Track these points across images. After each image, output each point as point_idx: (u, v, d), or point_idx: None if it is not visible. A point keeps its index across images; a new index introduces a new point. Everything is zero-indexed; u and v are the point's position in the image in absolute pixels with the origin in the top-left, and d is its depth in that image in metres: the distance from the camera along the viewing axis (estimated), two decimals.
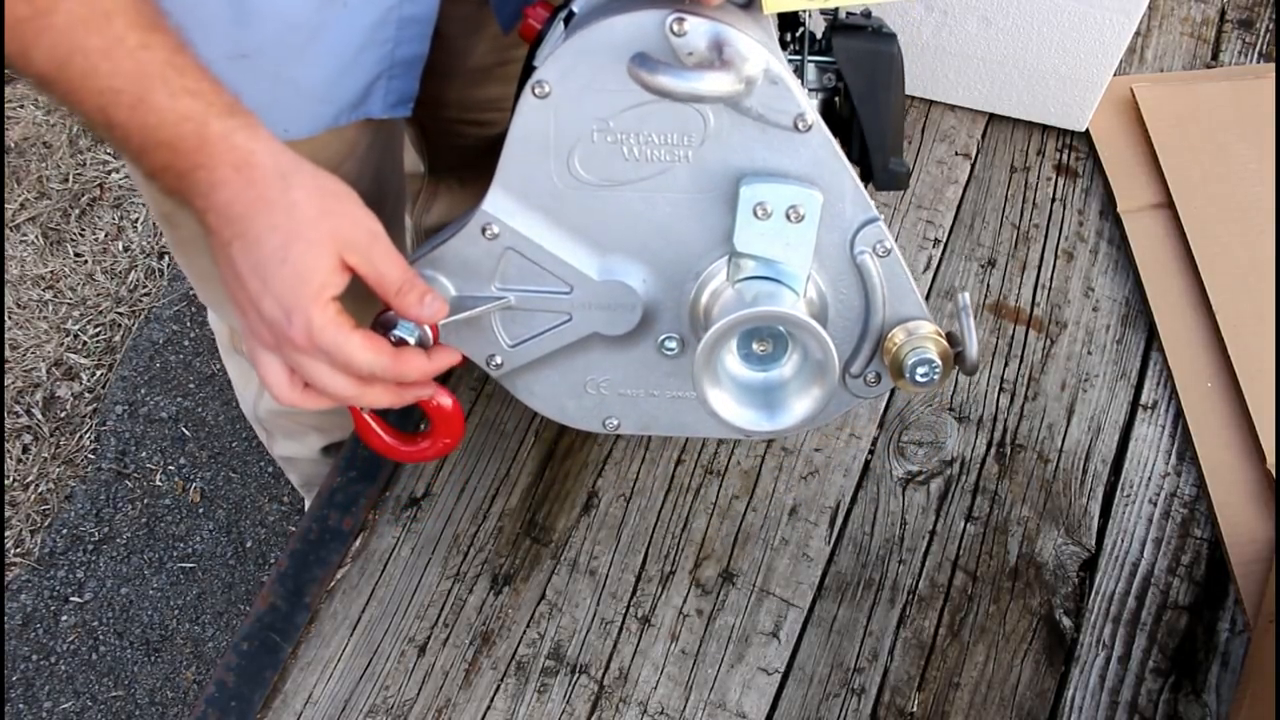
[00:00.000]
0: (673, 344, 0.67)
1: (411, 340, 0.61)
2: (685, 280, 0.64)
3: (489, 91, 0.94)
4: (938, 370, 0.63)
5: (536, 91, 0.58)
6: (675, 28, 0.54)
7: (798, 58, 0.65)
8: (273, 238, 0.53)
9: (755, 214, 0.59)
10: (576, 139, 0.60)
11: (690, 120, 0.58)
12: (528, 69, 0.65)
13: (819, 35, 0.66)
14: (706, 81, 0.53)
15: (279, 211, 0.53)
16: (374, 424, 0.70)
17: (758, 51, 0.55)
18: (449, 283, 0.64)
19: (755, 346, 0.62)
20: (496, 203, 0.62)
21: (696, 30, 0.55)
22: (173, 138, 0.51)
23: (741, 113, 0.58)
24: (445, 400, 0.68)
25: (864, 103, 0.65)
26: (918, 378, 0.63)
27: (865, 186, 0.63)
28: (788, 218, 0.59)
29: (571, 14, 0.60)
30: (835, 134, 0.60)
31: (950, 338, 0.64)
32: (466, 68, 0.93)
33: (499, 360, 0.68)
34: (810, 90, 0.66)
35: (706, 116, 0.58)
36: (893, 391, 0.86)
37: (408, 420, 0.81)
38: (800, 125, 0.58)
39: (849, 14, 0.66)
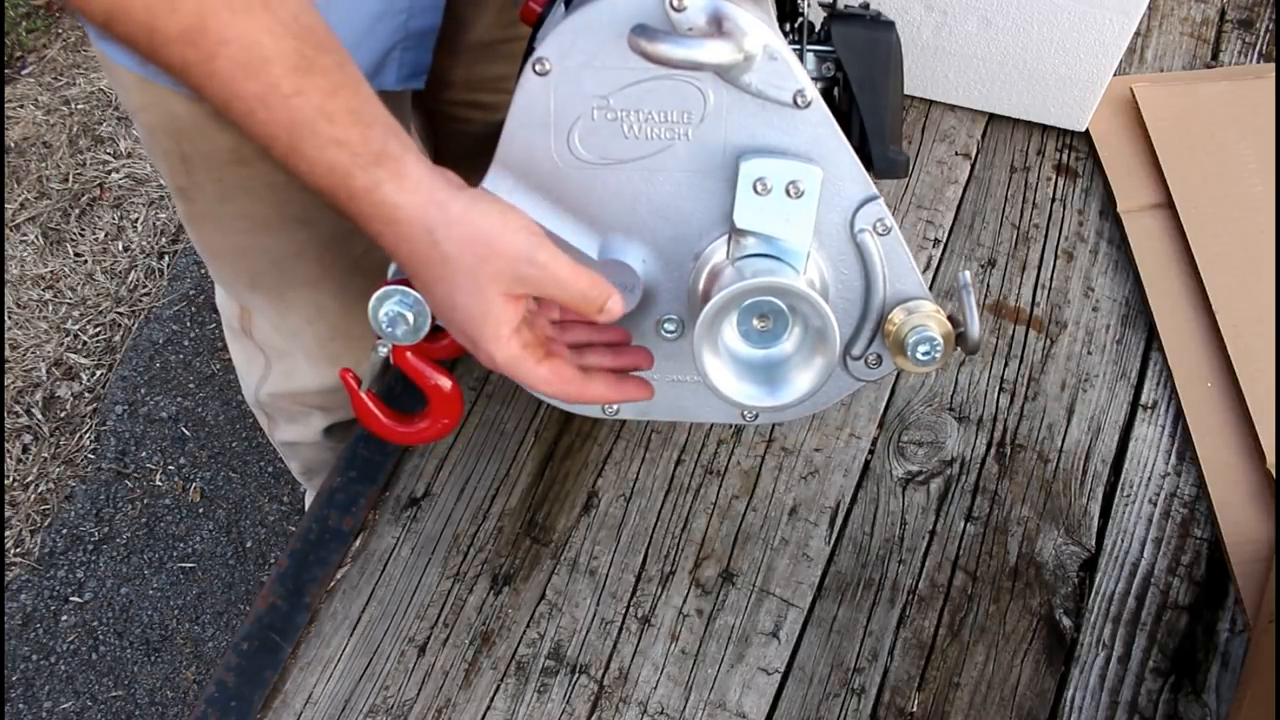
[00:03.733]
0: (672, 326, 0.67)
1: (410, 315, 0.61)
2: (685, 260, 0.64)
3: (493, 69, 0.95)
4: (939, 349, 0.63)
5: (537, 69, 0.58)
6: (675, 3, 0.55)
7: (796, 47, 0.65)
8: (438, 287, 0.56)
9: (755, 190, 0.59)
10: (576, 116, 0.59)
11: (690, 97, 0.58)
12: (529, 52, 0.65)
13: (817, 25, 0.66)
14: (706, 49, 0.53)
15: (435, 265, 0.55)
16: (372, 405, 0.69)
17: (757, 27, 0.55)
18: None
19: (756, 323, 0.62)
20: (496, 182, 0.62)
21: (696, 5, 0.55)
22: (326, 188, 0.53)
23: (741, 89, 0.58)
24: (444, 382, 0.68)
25: (863, 90, 0.65)
26: (919, 356, 0.63)
27: None
28: (788, 193, 0.59)
29: None
30: None
31: (951, 319, 0.64)
32: (470, 41, 0.93)
33: None
34: (809, 77, 0.66)
35: (706, 94, 0.58)
36: (892, 391, 0.86)
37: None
38: (800, 101, 0.58)
39: (847, 4, 0.67)
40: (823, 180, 0.59)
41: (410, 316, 0.61)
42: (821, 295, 0.63)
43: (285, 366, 1.05)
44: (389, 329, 0.62)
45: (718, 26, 0.55)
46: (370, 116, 0.53)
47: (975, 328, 0.62)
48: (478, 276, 0.55)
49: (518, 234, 0.55)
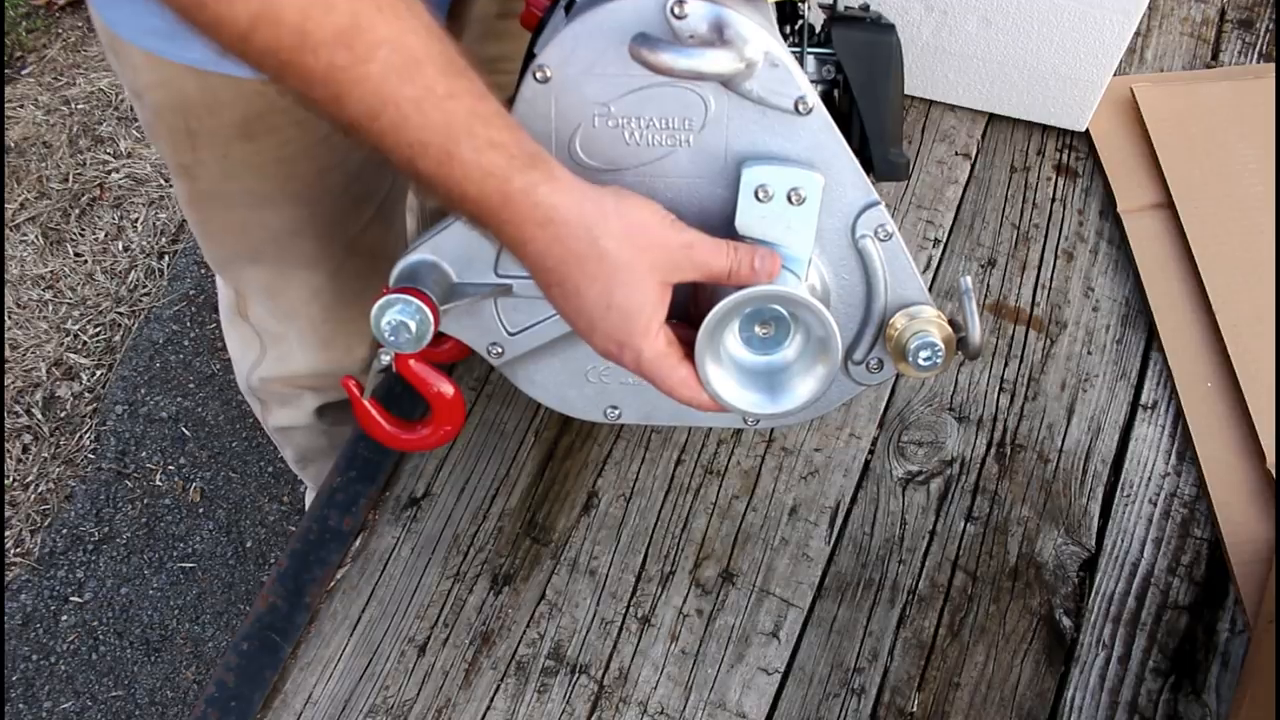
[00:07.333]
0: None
1: (413, 324, 0.61)
2: None
3: (489, 49, 0.95)
4: (940, 354, 0.63)
5: (537, 76, 0.58)
6: (676, 10, 0.55)
7: (797, 49, 0.65)
8: (592, 287, 0.55)
9: (757, 196, 0.59)
10: (578, 123, 0.60)
11: (691, 104, 0.59)
12: (529, 57, 0.65)
13: (818, 28, 0.66)
14: (708, 59, 0.53)
15: (591, 263, 0.54)
16: (374, 412, 0.69)
17: (758, 34, 0.55)
18: (450, 269, 0.64)
19: (757, 330, 0.62)
20: None
21: (697, 13, 0.55)
22: (478, 194, 0.51)
23: (742, 96, 0.58)
24: (446, 388, 0.68)
25: (864, 93, 0.65)
26: (921, 361, 0.63)
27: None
28: (789, 200, 0.59)
29: (572, 1, 0.60)
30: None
31: (952, 323, 0.64)
32: (471, 16, 0.93)
33: (500, 349, 0.68)
34: (810, 83, 0.66)
35: (707, 100, 0.58)
36: (892, 391, 0.86)
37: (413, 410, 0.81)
38: (801, 108, 0.58)
39: (847, 6, 0.67)
40: (824, 186, 0.59)
41: (413, 325, 0.61)
42: (823, 300, 0.64)
43: (280, 350, 1.05)
44: (391, 338, 0.61)
45: (719, 34, 0.55)
46: (514, 119, 0.52)
47: (976, 333, 0.63)
48: (636, 269, 0.55)
49: (666, 223, 0.56)
